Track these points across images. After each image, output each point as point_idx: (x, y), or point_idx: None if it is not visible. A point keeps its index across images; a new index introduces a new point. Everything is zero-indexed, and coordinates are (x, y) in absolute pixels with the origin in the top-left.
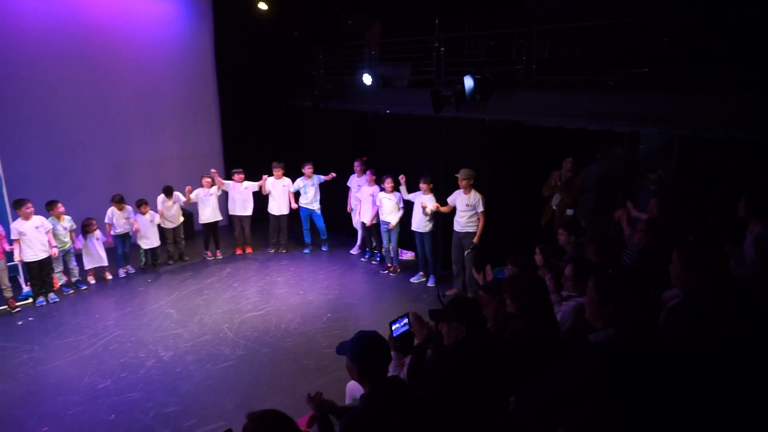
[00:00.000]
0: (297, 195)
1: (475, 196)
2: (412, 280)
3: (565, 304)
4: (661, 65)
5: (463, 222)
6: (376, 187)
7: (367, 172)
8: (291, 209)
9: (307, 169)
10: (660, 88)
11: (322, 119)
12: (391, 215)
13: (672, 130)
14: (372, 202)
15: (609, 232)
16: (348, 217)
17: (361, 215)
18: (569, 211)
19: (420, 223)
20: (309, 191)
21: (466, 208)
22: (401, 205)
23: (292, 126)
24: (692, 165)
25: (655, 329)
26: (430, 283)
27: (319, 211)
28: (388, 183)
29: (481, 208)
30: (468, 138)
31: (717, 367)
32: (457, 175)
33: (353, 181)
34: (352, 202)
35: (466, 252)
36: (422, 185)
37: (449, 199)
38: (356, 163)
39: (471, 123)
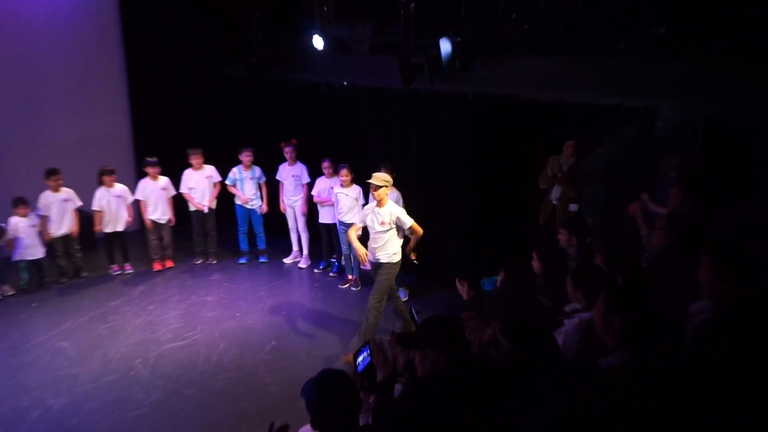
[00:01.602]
0: (223, 187)
1: (392, 210)
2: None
3: (567, 322)
4: (684, 24)
5: (376, 247)
6: (335, 178)
7: (325, 160)
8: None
9: (245, 157)
10: (682, 53)
11: (260, 94)
12: (350, 214)
13: (696, 105)
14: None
15: (621, 231)
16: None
17: (320, 215)
18: (573, 207)
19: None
20: (247, 185)
21: (381, 227)
22: (362, 201)
23: (225, 103)
24: (721, 147)
25: (681, 351)
26: (402, 297)
27: (260, 211)
28: (345, 175)
29: (408, 222)
30: (444, 117)
31: (761, 402)
32: (370, 182)
33: (284, 172)
34: (286, 199)
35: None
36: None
37: (359, 218)
38: (287, 149)
39: (449, 97)
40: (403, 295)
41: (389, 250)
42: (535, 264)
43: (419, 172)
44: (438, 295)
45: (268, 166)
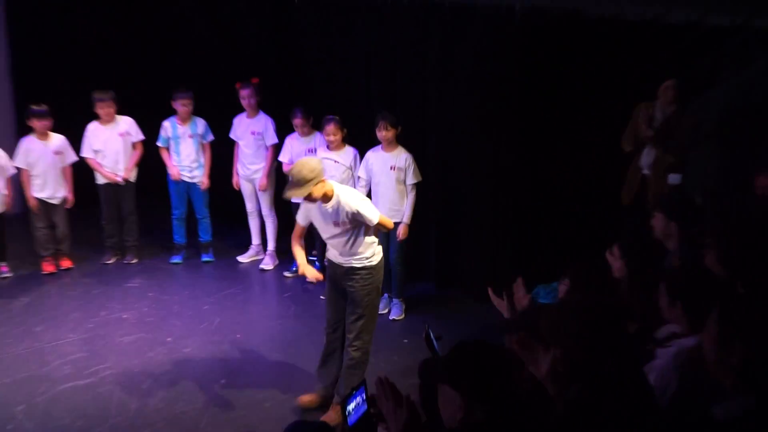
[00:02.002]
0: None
1: (347, 202)
2: None
3: (661, 352)
4: None
5: (338, 254)
6: (317, 138)
7: (296, 114)
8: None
9: (182, 106)
10: None
11: (201, 9)
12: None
13: None
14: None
15: (745, 216)
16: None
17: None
18: (673, 178)
19: (385, 207)
20: (184, 147)
21: (335, 228)
22: (357, 171)
23: (148, 22)
24: None
25: None
26: (395, 315)
27: (202, 187)
28: (332, 132)
29: (373, 218)
30: (480, 44)
31: None
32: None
33: (240, 128)
34: (242, 169)
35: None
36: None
37: (300, 216)
38: (244, 93)
39: (487, 14)
40: (397, 312)
41: (361, 252)
42: (616, 264)
43: (439, 128)
44: (465, 310)
45: (217, 120)
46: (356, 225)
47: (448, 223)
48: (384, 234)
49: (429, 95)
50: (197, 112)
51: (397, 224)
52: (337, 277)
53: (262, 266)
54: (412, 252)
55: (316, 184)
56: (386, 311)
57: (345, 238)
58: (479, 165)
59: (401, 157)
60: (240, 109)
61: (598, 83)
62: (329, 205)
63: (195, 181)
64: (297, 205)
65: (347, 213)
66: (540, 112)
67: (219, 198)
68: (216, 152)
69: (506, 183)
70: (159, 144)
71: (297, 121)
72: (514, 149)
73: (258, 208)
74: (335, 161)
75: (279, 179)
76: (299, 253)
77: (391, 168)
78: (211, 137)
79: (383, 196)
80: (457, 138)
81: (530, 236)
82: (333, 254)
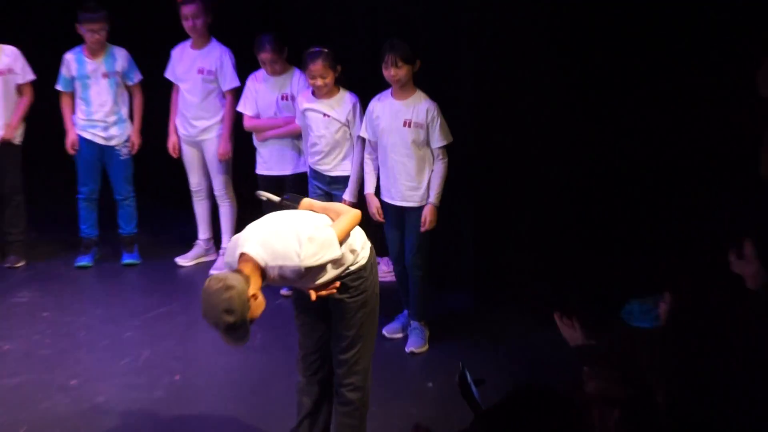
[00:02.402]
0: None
1: (426, 105)
2: (385, 333)
3: None
4: None
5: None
6: (294, 79)
7: (263, 44)
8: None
9: (89, 32)
10: None
11: None
12: (336, 157)
13: None
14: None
15: None
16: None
17: (261, 160)
18: None
19: (398, 183)
20: (96, 91)
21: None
22: (358, 130)
23: None
24: None
25: None
26: (415, 345)
27: (124, 153)
28: (319, 70)
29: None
30: None
31: None
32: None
33: (182, 63)
34: (183, 125)
35: None
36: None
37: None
38: (187, 8)
39: None
40: (417, 341)
41: (334, 271)
42: (749, 269)
43: (481, 71)
44: (517, 337)
45: (149, 53)
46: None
47: (493, 210)
48: (396, 223)
49: (464, 24)
50: (117, 39)
51: (414, 209)
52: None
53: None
54: (439, 251)
55: (246, 314)
56: (399, 336)
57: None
58: (543, 131)
59: (420, 106)
60: (181, 36)
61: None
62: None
63: (113, 144)
64: (272, 180)
65: (298, 281)
66: (623, 59)
67: (149, 170)
68: (145, 101)
69: (565, 162)
70: (59, 88)
71: (264, 55)
72: (578, 113)
73: (208, 185)
74: (325, 114)
75: (241, 142)
76: None
77: (405, 124)
78: (138, 77)
79: (395, 167)
80: (507, 90)
81: (607, 233)
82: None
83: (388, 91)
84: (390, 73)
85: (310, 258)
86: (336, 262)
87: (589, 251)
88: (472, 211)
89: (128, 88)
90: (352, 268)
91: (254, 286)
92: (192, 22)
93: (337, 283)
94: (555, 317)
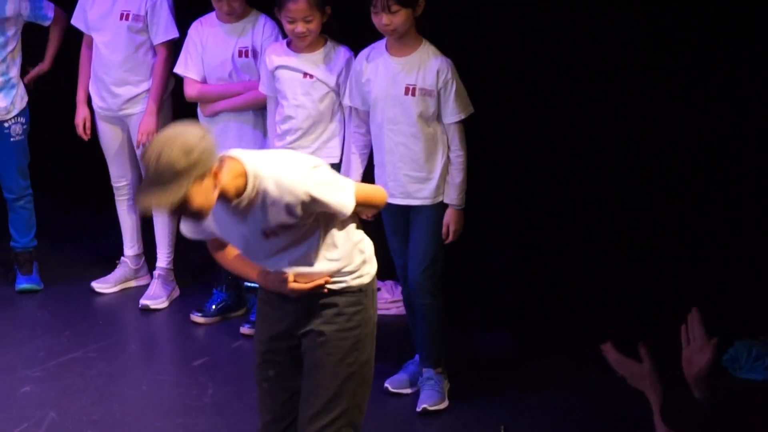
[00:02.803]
0: None
1: (437, 64)
2: (389, 387)
3: None
4: None
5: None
6: (260, 27)
7: None
8: None
9: None
10: None
11: None
12: (317, 136)
13: None
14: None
15: None
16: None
17: None
18: None
19: (400, 173)
20: None
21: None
22: (348, 96)
23: None
24: None
25: None
26: (429, 401)
27: (17, 135)
28: (302, 10)
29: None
30: None
31: None
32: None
33: (96, 5)
34: (100, 95)
35: None
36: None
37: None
38: None
39: None
40: (432, 396)
41: (332, 260)
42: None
43: (519, 30)
44: (571, 393)
45: None
46: (309, 224)
47: (540, 219)
48: (400, 229)
49: None
50: None
51: (422, 209)
52: (285, 322)
53: (144, 301)
54: (464, 273)
55: (197, 179)
56: (408, 391)
57: (293, 253)
58: (618, 113)
59: (429, 66)
60: None
61: None
62: (243, 204)
63: (1, 119)
64: None
65: (286, 208)
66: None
67: (51, 158)
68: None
69: (668, 158)
70: None
71: None
72: (692, 104)
73: (135, 179)
74: (306, 74)
75: (182, 116)
76: (242, 266)
77: (407, 91)
78: (50, 9)
79: (395, 151)
80: (567, 48)
81: (705, 249)
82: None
83: (382, 43)
84: (381, 21)
85: (318, 184)
86: (339, 223)
87: (672, 279)
88: (511, 221)
89: (52, 41)
90: (351, 278)
91: (232, 171)
92: None
93: (328, 278)
94: (604, 351)
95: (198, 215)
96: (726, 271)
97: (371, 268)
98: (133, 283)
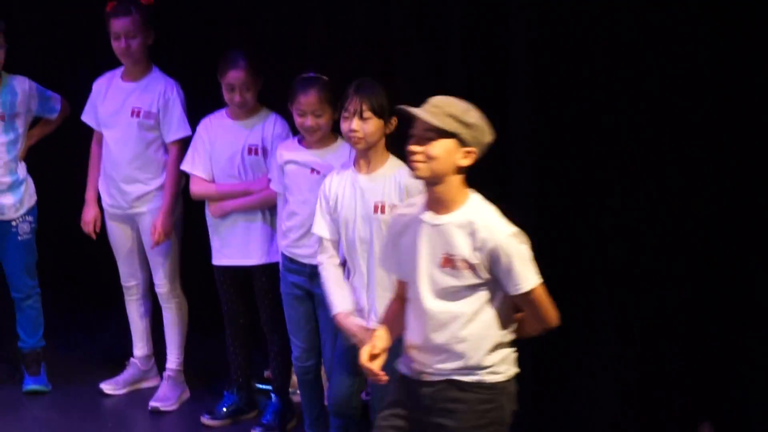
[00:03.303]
0: None
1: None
2: None
3: None
4: None
5: (434, 334)
6: (270, 123)
7: (234, 62)
8: None
9: None
10: None
11: None
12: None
13: None
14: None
15: None
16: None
17: (217, 246)
18: None
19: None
20: None
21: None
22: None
23: None
24: None
25: None
26: None
27: (25, 234)
28: (314, 105)
29: (530, 279)
30: None
31: None
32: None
33: (108, 101)
34: (109, 192)
35: None
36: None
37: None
38: (119, 22)
39: None
40: None
41: (480, 343)
42: None
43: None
44: None
45: (53, 88)
46: (488, 282)
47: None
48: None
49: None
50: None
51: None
52: (407, 410)
53: (154, 403)
54: None
55: (469, 145)
56: None
57: (457, 306)
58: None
59: (393, 179)
60: (106, 63)
61: None
62: (447, 219)
63: (7, 217)
64: (234, 271)
65: (483, 246)
66: None
67: (59, 256)
68: (50, 157)
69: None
70: None
71: (235, 75)
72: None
73: (145, 279)
74: (314, 170)
75: (195, 216)
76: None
77: (377, 208)
78: (58, 102)
79: (370, 275)
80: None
81: None
82: (415, 340)
83: (349, 157)
84: (349, 125)
85: (517, 248)
86: (506, 306)
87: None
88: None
89: (43, 127)
90: (489, 379)
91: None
92: (125, 43)
93: (383, 377)
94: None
95: (424, 174)
96: None
97: (510, 368)
98: (142, 385)
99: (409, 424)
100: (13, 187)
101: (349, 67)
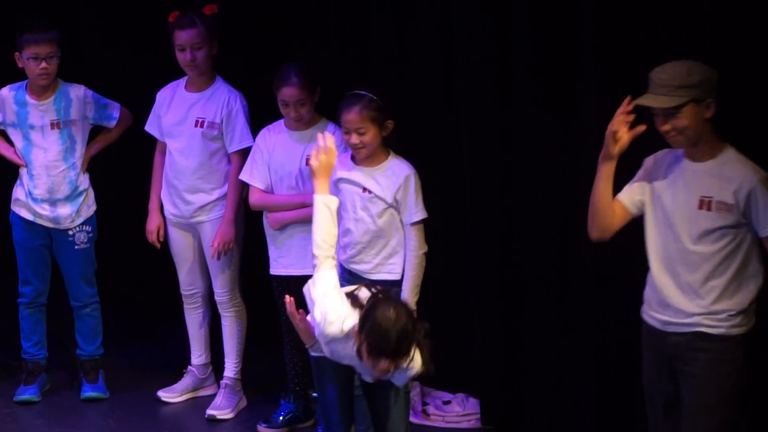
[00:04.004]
0: None
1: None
2: None
3: None
4: None
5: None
6: (328, 135)
7: (287, 76)
8: None
9: (34, 61)
10: None
11: None
12: (374, 252)
13: None
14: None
15: None
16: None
17: (274, 256)
18: None
19: None
20: (41, 148)
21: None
22: (411, 214)
23: None
24: None
25: None
26: None
27: (82, 243)
28: (358, 121)
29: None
30: None
31: None
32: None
33: (172, 111)
34: (173, 202)
35: None
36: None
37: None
38: (184, 34)
39: None
40: None
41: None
42: None
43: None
44: None
45: (115, 98)
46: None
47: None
48: None
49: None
50: (86, 75)
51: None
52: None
53: (211, 411)
54: None
55: (706, 99)
56: None
57: (711, 248)
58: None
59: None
60: (168, 73)
61: None
62: (703, 167)
63: (64, 226)
64: (289, 280)
65: (740, 190)
66: None
67: (118, 264)
68: (112, 166)
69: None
70: None
71: (288, 92)
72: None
73: (205, 288)
74: (365, 189)
75: (255, 226)
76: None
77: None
78: (116, 111)
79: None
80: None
81: None
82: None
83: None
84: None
85: None
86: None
87: None
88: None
89: (105, 135)
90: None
91: None
92: (191, 55)
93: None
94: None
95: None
96: None
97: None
98: (199, 393)
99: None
100: (71, 197)
101: (411, 76)
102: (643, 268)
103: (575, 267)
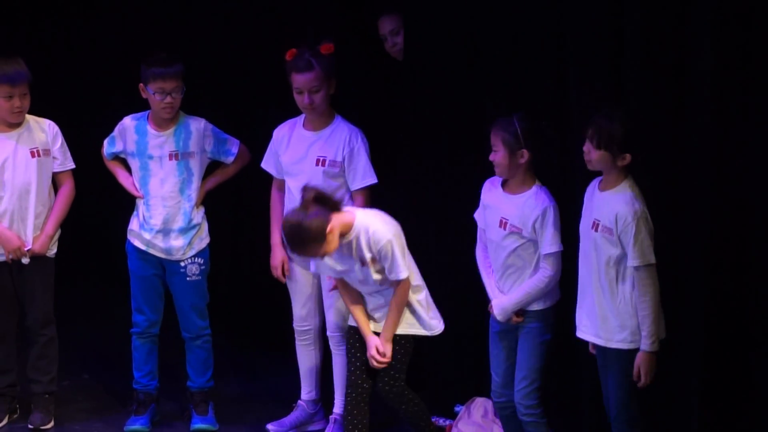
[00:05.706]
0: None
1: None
2: None
3: None
4: None
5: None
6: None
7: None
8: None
9: (159, 94)
10: None
11: None
12: (512, 280)
13: None
14: None
15: None
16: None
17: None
18: None
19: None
20: (158, 179)
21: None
22: (548, 244)
23: None
24: None
25: None
26: None
27: (194, 275)
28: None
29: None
30: None
31: None
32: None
33: (291, 150)
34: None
35: None
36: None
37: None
38: (302, 77)
39: None
40: None
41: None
42: None
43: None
44: None
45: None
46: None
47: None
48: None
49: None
50: (191, 107)
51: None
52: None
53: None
54: None
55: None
56: None
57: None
58: None
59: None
60: (283, 111)
61: None
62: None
63: (176, 258)
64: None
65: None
66: None
67: (229, 297)
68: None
69: None
70: (105, 155)
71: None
72: None
73: (319, 324)
74: (503, 221)
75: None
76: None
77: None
78: (235, 146)
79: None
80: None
81: None
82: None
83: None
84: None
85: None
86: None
87: None
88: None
89: (222, 171)
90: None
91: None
92: (309, 99)
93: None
94: None
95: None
96: None
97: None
98: (308, 428)
99: None
100: (185, 230)
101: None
102: None
103: None
